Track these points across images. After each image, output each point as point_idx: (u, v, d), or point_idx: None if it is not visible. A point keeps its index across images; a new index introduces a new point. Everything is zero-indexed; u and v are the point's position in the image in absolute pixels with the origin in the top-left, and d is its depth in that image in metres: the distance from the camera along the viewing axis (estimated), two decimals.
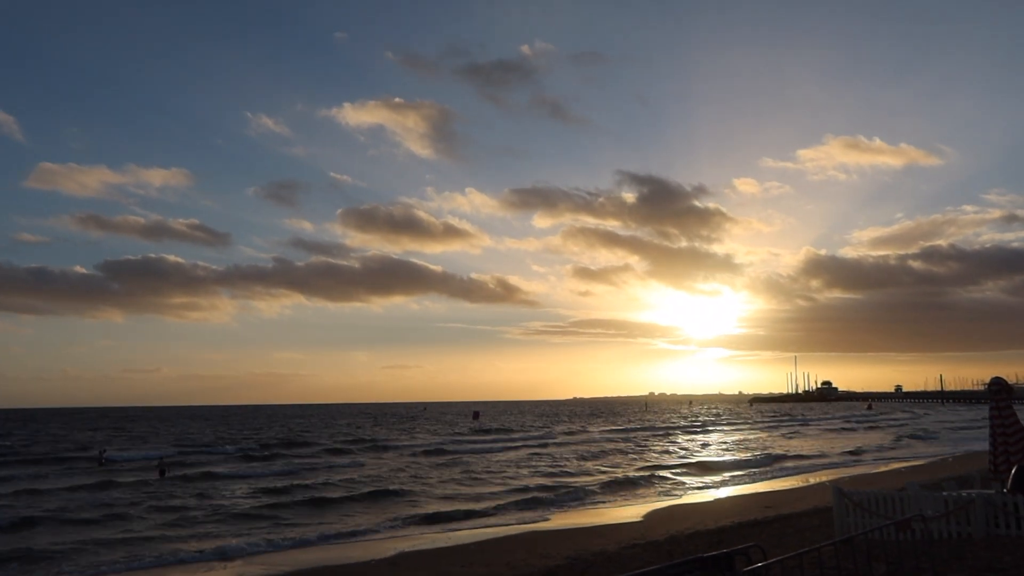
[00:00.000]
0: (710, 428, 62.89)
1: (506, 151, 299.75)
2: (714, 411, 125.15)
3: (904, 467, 27.93)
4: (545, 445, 42.94)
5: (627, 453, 36.67)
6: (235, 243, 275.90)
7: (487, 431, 58.84)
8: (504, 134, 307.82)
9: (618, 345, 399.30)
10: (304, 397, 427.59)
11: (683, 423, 73.47)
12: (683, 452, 36.96)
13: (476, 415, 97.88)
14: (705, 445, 42.07)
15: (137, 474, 29.06)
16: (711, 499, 21.20)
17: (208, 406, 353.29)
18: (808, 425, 65.52)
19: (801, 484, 24.26)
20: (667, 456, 34.80)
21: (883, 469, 27.71)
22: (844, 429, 57.52)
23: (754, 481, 25.21)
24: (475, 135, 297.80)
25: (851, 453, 35.07)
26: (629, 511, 18.74)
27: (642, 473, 27.11)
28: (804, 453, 34.53)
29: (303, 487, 23.93)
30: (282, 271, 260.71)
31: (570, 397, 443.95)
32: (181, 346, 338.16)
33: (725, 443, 43.25)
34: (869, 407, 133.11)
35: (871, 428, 58.69)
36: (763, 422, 74.60)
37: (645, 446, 41.55)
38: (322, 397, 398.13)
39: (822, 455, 33.89)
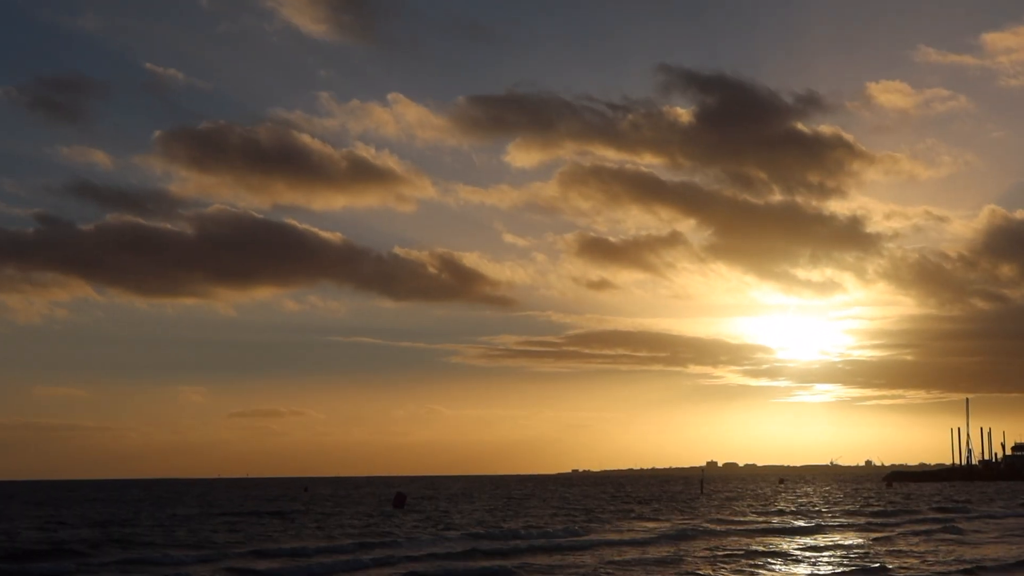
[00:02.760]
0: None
1: (464, 30, 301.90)
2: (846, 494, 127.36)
3: None
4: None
5: None
6: None
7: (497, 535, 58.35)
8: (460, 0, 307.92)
9: (654, 378, 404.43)
10: (89, 467, 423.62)
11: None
12: None
13: (400, 500, 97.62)
14: None
15: None
16: None
17: None
18: None
19: None
20: None
21: None
22: None
23: None
24: (407, 0, 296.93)
25: None
26: None
27: None
28: None
29: None
30: (53, 240, 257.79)
31: (568, 471, 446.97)
32: None
33: None
34: None
35: None
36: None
37: None
38: (122, 467, 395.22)
39: None
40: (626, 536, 58.15)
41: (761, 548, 49.46)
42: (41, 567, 40.67)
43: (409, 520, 74.50)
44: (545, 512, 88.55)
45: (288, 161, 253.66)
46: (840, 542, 53.53)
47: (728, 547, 50.10)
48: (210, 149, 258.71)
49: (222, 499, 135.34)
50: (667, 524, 69.39)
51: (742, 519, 74.99)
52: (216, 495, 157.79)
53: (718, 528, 65.46)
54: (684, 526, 66.02)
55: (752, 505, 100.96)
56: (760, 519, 74.66)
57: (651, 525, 67.89)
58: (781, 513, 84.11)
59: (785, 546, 50.46)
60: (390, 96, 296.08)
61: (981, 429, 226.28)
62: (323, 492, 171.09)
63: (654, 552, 47.45)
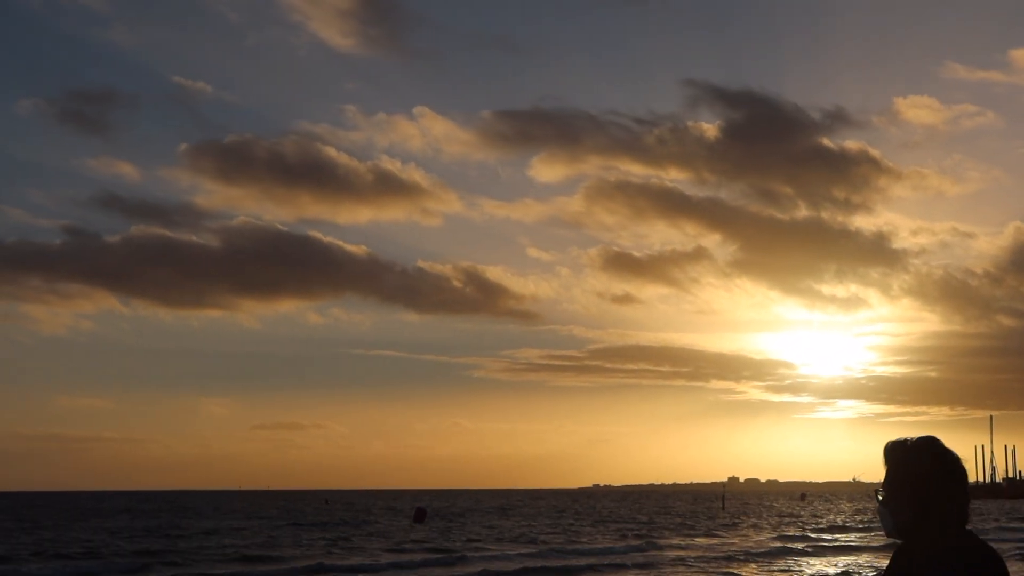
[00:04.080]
0: None
1: (490, 43, 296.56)
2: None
3: None
4: None
5: None
6: None
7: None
8: (486, 13, 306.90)
9: (676, 393, 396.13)
10: (112, 478, 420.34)
11: None
12: None
13: (420, 515, 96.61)
14: None
15: None
16: None
17: None
18: None
19: None
20: None
21: None
22: None
23: None
24: (434, 14, 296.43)
25: None
26: None
27: None
28: None
29: None
30: (79, 252, 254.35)
31: (589, 485, 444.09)
32: None
33: None
34: None
35: None
36: None
37: None
38: (145, 478, 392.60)
39: None
40: (703, 552, 55.76)
41: (844, 568, 46.66)
42: None
43: (464, 534, 72.28)
44: (590, 527, 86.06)
45: (313, 174, 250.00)
46: None
47: (817, 567, 47.62)
48: (236, 162, 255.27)
49: (256, 510, 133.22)
50: (733, 540, 67.43)
51: (812, 536, 72.47)
52: (248, 506, 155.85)
53: (792, 546, 62.92)
54: (753, 542, 64.36)
55: (799, 521, 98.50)
56: (825, 536, 72.34)
57: (713, 542, 65.63)
58: (845, 529, 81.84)
59: (876, 564, 47.36)
60: (416, 110, 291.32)
61: (1005, 447, 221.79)
62: (355, 503, 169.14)
63: (742, 570, 45.26)
